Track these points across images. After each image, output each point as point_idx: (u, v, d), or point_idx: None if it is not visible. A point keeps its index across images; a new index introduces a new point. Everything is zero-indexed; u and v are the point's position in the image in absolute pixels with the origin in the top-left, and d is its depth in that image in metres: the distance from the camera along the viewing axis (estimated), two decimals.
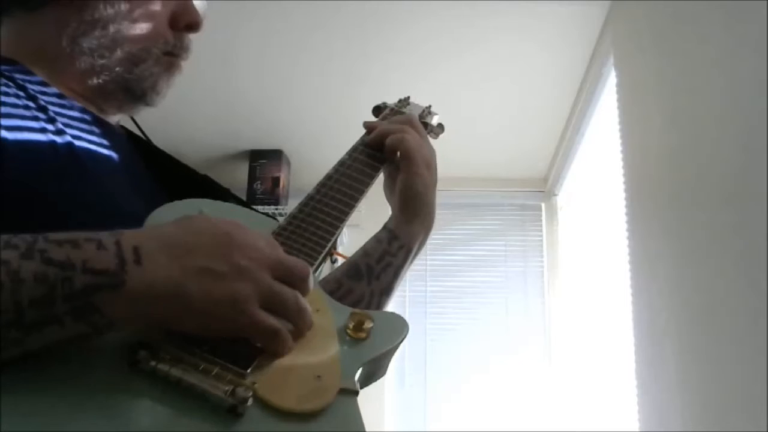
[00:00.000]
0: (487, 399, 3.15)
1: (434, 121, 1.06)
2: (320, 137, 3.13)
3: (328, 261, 2.83)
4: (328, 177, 0.85)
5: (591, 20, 2.36)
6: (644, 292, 1.93)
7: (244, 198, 3.19)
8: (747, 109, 1.31)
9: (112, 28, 0.79)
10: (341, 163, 0.88)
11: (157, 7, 0.82)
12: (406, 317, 0.70)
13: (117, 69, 0.80)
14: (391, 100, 1.06)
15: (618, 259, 2.17)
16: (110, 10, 0.78)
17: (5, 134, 0.65)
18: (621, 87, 2.18)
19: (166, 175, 0.87)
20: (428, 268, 3.34)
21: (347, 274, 0.89)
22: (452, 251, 3.40)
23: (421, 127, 0.94)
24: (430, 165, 0.91)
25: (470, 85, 2.75)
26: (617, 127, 2.17)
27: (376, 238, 0.92)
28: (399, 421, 3.20)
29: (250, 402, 0.54)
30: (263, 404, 0.55)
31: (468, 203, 3.44)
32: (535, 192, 3.47)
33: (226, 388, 0.54)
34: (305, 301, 0.61)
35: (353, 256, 0.93)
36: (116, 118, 0.87)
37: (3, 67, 0.74)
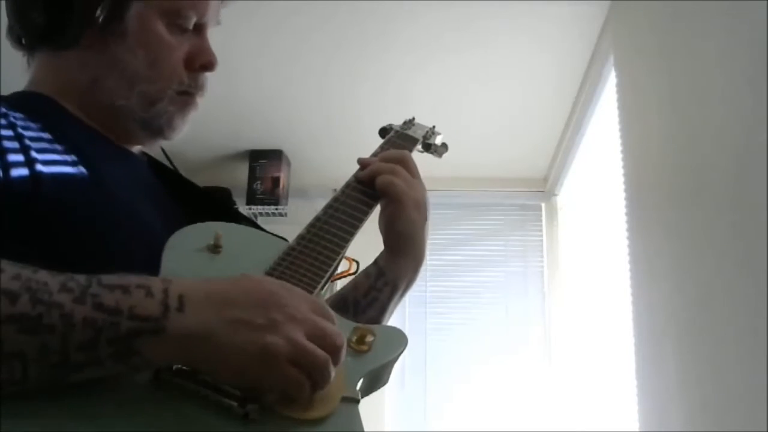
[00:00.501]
0: (487, 399, 3.15)
1: (438, 140, 1.07)
2: (320, 137, 3.13)
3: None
4: (324, 212, 0.85)
5: (591, 20, 2.36)
6: (644, 292, 1.93)
7: (244, 198, 3.21)
8: (747, 109, 1.31)
9: (129, 71, 0.83)
10: (335, 199, 0.88)
11: (172, 49, 0.85)
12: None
13: (134, 108, 0.84)
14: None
15: (618, 259, 2.17)
16: (128, 54, 0.83)
17: (41, 168, 0.70)
18: (621, 87, 2.19)
19: (187, 198, 0.92)
20: (428, 268, 3.31)
21: (336, 305, 0.91)
22: (452, 251, 3.39)
23: (412, 164, 0.94)
24: (420, 205, 0.92)
25: (470, 85, 2.75)
26: (617, 127, 2.18)
27: (365, 273, 0.95)
28: (399, 421, 3.19)
29: (261, 409, 0.58)
30: (273, 411, 0.60)
31: (468, 203, 3.43)
32: (535, 192, 3.47)
33: (240, 397, 0.59)
34: (333, 369, 0.61)
35: (344, 288, 0.96)
36: (138, 147, 0.92)
37: (36, 104, 0.81)
